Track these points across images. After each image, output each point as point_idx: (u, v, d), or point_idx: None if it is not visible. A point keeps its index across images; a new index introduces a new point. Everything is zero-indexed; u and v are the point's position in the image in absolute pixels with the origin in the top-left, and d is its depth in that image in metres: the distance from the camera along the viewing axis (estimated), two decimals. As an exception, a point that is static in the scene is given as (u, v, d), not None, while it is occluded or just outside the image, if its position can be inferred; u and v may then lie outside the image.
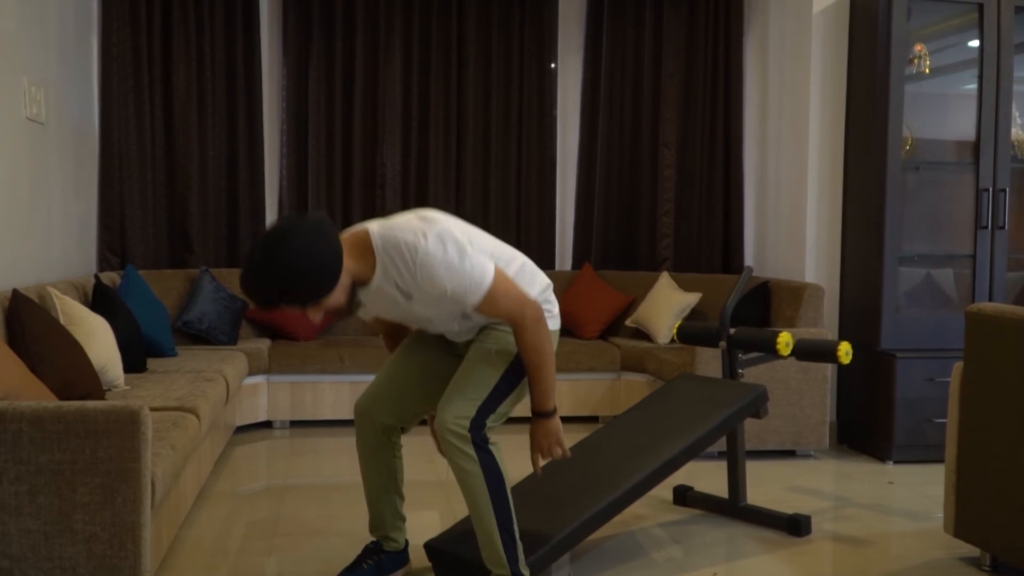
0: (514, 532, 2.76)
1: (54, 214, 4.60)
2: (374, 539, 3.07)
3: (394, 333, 3.16)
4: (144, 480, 2.50)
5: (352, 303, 2.63)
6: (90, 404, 2.49)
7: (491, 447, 2.73)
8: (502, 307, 2.65)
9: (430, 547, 3.06)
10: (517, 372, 2.80)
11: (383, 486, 3.01)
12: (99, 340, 3.69)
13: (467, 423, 2.69)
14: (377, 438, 2.97)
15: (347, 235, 2.64)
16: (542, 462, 2.92)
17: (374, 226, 2.64)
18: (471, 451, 2.68)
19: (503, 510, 2.73)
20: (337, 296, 2.54)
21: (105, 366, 3.66)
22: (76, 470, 2.47)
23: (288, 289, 2.44)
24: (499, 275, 2.64)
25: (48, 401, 2.55)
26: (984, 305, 3.14)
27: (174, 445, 2.95)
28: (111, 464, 2.48)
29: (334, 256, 2.48)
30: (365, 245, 2.60)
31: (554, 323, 2.88)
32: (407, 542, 3.10)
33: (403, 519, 3.09)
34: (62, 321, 3.65)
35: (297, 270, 2.41)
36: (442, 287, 2.56)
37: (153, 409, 3.38)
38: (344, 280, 2.54)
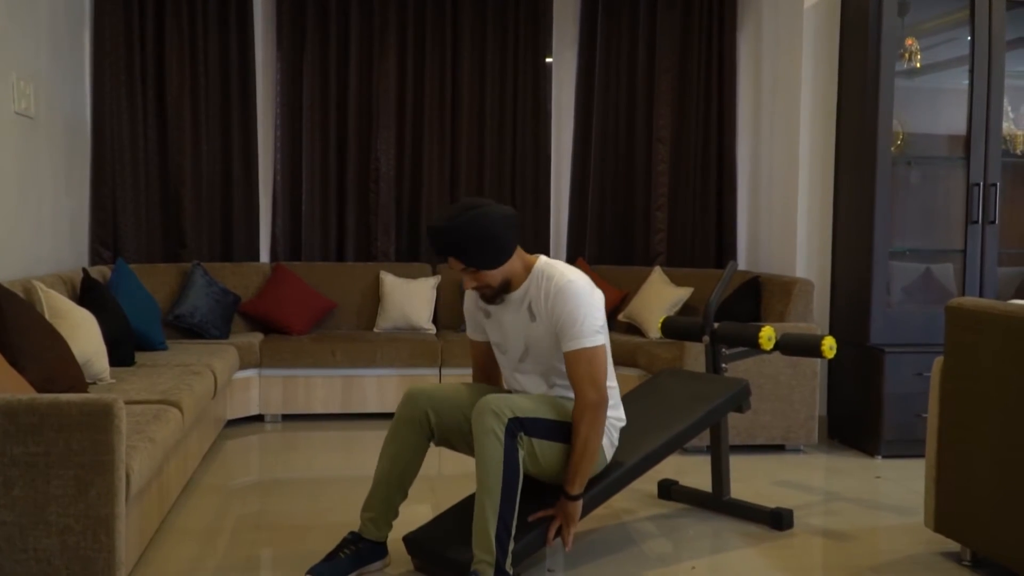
0: (511, 527, 2.78)
1: (44, 208, 4.62)
2: (353, 530, 3.08)
3: (484, 378, 3.31)
4: (118, 473, 2.52)
5: (497, 292, 2.97)
6: (64, 397, 2.50)
7: (520, 447, 2.79)
8: (587, 372, 2.88)
9: (409, 539, 3.07)
10: (562, 433, 2.92)
11: (394, 474, 3.03)
12: (84, 334, 3.70)
13: (511, 413, 2.79)
14: (411, 426, 3.02)
15: (520, 250, 3.00)
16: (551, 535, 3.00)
17: (544, 257, 3.03)
18: (501, 434, 2.76)
19: (508, 502, 2.77)
20: (494, 275, 2.92)
21: (90, 359, 3.68)
22: (50, 463, 2.48)
23: (466, 247, 2.84)
24: (604, 349, 2.93)
25: (23, 394, 2.56)
26: (964, 299, 3.13)
27: (153, 438, 2.96)
28: (85, 457, 2.49)
29: (511, 243, 2.91)
30: (529, 263, 3.00)
31: (608, 435, 3.04)
32: (387, 538, 3.10)
33: (395, 515, 3.08)
34: (47, 315, 3.67)
35: (482, 233, 2.83)
36: (564, 315, 2.87)
37: (135, 402, 3.39)
38: (506, 268, 2.92)
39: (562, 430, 2.94)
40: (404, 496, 3.08)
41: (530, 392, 3.10)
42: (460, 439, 3.05)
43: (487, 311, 3.09)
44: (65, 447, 2.48)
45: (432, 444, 3.09)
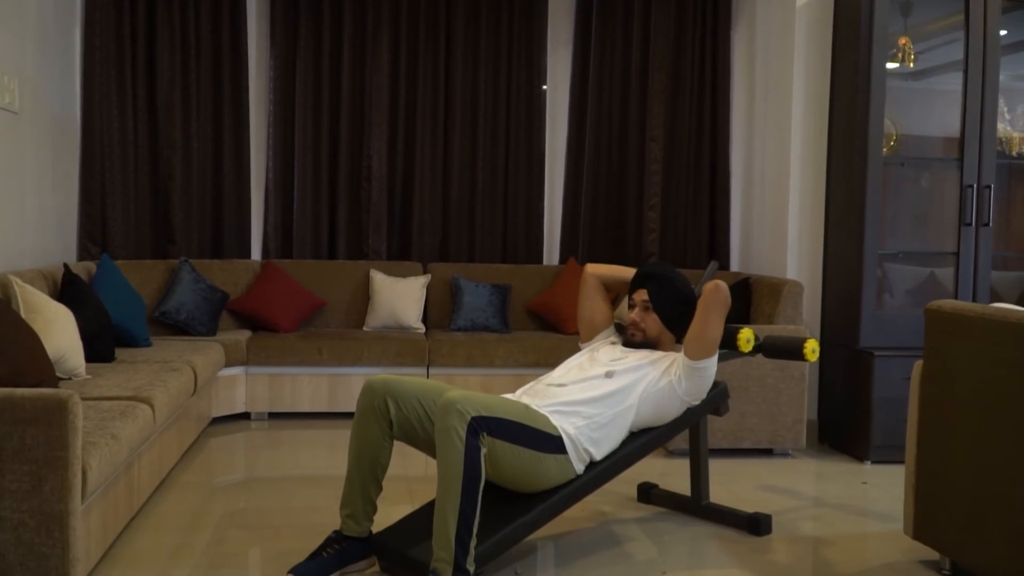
0: (472, 526, 2.73)
1: (28, 203, 4.60)
2: (337, 529, 3.04)
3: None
4: (72, 469, 2.49)
5: (643, 342, 3.42)
6: (18, 391, 2.47)
7: (482, 445, 2.75)
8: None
9: (374, 540, 3.04)
10: (526, 437, 2.89)
11: (362, 467, 3.00)
12: (59, 329, 3.68)
13: (475, 412, 2.75)
14: (371, 416, 2.99)
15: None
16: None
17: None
18: (463, 432, 2.71)
19: (469, 502, 2.72)
20: (656, 326, 3.43)
21: (64, 355, 3.65)
22: (4, 457, 2.46)
23: (667, 291, 3.42)
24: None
25: (-20, 388, 2.54)
26: (943, 302, 3.07)
27: (116, 435, 2.92)
28: (38, 452, 2.47)
29: (685, 326, 3.34)
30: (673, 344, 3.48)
31: (576, 450, 3.07)
32: (369, 533, 3.05)
33: (373, 509, 3.05)
34: (22, 310, 3.65)
35: (684, 296, 3.43)
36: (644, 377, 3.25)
37: (104, 398, 3.37)
38: (665, 332, 3.44)
39: (526, 434, 2.91)
40: (379, 488, 3.04)
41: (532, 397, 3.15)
42: (418, 432, 3.00)
43: (613, 341, 3.50)
44: (19, 442, 2.46)
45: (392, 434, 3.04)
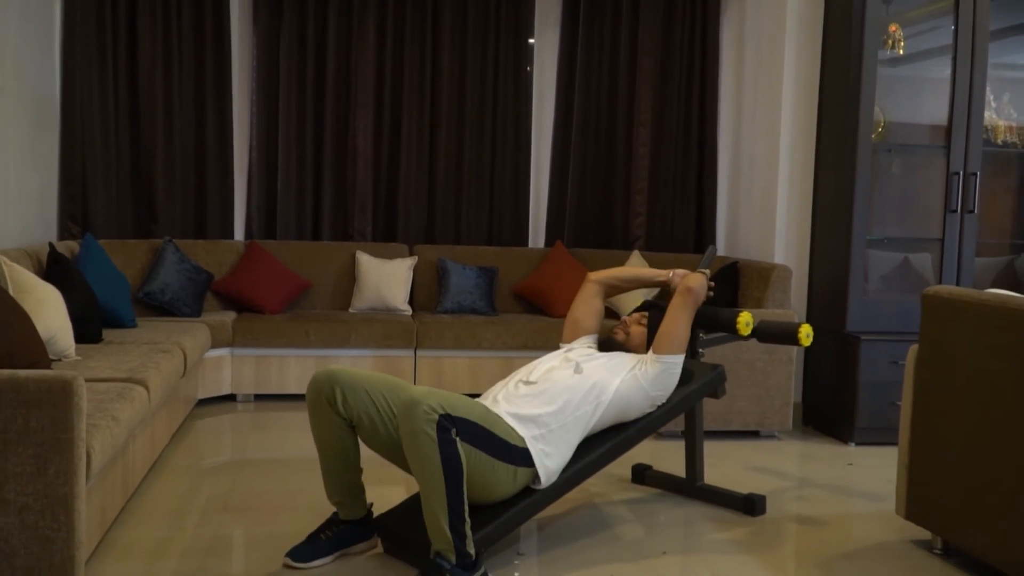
0: (463, 514, 2.68)
1: (10, 181, 4.53)
2: (335, 510, 3.01)
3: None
4: (77, 451, 2.46)
5: (619, 346, 3.49)
6: (22, 373, 2.44)
7: (456, 438, 2.66)
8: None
9: (376, 522, 3.03)
10: (489, 443, 2.81)
11: (331, 460, 2.95)
12: (49, 309, 3.63)
13: (442, 410, 2.65)
14: (320, 408, 2.89)
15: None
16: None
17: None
18: (433, 431, 2.61)
19: (456, 498, 2.65)
20: (642, 339, 3.51)
21: (55, 336, 3.61)
22: (8, 440, 2.42)
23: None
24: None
25: (-19, 369, 2.50)
26: (940, 288, 3.11)
27: (116, 417, 2.90)
28: (43, 434, 2.43)
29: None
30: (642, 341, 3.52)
31: (542, 462, 2.98)
32: (368, 513, 3.03)
33: (361, 490, 3.01)
34: (11, 290, 3.59)
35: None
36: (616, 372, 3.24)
37: (99, 380, 3.33)
38: (643, 346, 3.49)
39: (490, 440, 2.82)
40: (357, 472, 2.98)
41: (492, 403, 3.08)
42: (367, 426, 2.89)
43: (590, 346, 3.48)
44: (24, 424, 2.42)
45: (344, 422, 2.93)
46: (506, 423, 2.94)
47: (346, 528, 2.99)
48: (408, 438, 2.65)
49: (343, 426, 2.91)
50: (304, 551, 2.92)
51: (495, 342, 5.30)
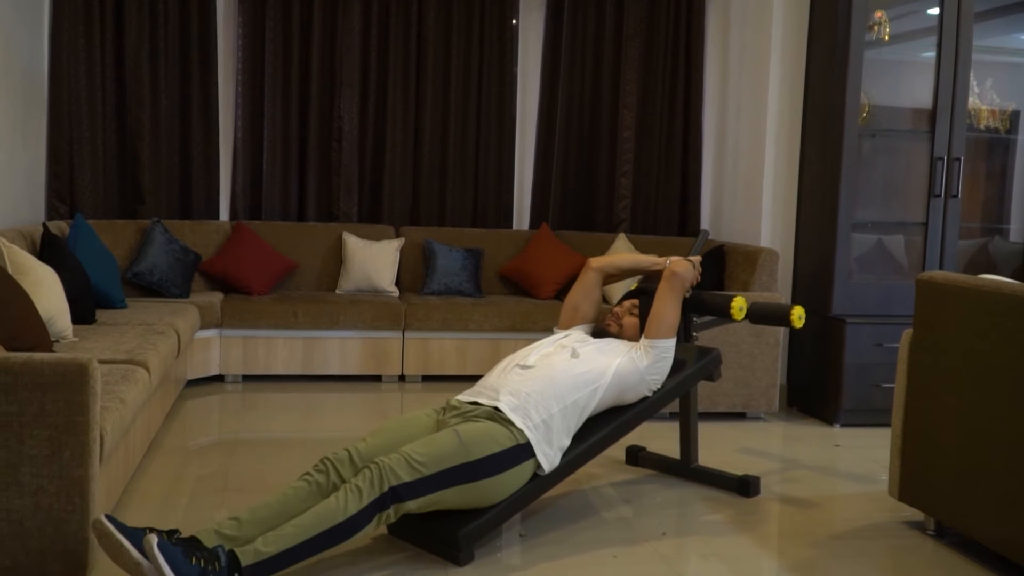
0: (298, 562, 2.54)
1: (1, 160, 4.47)
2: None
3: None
4: (92, 434, 2.47)
5: (611, 335, 3.49)
6: (37, 356, 2.44)
7: (378, 519, 2.63)
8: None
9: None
10: (466, 473, 2.81)
11: (289, 508, 2.67)
12: (47, 290, 3.61)
13: (395, 481, 2.65)
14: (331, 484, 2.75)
15: None
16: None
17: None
18: (367, 500, 2.59)
19: (315, 548, 2.54)
20: (634, 329, 3.49)
21: (53, 317, 3.59)
22: (24, 422, 2.42)
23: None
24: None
25: (-6, 352, 2.49)
26: (935, 273, 3.18)
27: (123, 399, 2.90)
28: (59, 417, 2.43)
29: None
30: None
31: (544, 452, 3.02)
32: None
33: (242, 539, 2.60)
34: (10, 270, 3.56)
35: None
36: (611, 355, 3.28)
37: (102, 362, 3.30)
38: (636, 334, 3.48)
39: (485, 464, 2.83)
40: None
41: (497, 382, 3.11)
42: None
43: (585, 332, 3.53)
44: (39, 407, 2.42)
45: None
46: (502, 428, 2.94)
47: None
48: (346, 486, 2.62)
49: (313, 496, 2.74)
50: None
51: (482, 324, 5.33)
